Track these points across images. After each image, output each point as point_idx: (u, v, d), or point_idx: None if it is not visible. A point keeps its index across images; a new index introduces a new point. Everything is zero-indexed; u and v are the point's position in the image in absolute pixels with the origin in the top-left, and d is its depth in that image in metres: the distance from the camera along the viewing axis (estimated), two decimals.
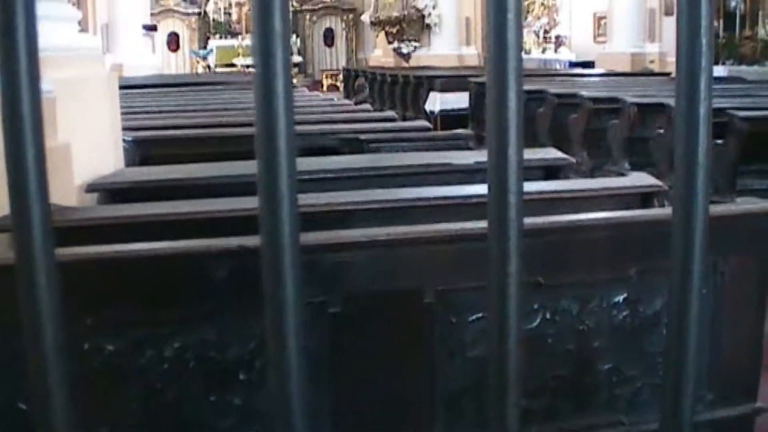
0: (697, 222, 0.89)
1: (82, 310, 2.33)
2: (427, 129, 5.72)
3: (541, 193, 3.42)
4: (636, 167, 8.19)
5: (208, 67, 27.32)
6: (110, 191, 3.65)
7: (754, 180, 7.26)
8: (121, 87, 4.53)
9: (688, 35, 0.84)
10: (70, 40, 3.66)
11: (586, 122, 9.59)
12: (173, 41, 28.46)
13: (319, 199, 3.16)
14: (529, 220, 2.63)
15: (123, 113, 4.39)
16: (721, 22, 20.59)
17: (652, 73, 17.03)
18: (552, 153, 4.35)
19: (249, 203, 2.45)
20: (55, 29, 3.41)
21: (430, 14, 22.64)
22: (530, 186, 3.46)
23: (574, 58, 24.81)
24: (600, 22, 24.38)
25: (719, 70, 18.17)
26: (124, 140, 4.40)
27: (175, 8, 28.31)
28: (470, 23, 23.46)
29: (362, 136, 4.91)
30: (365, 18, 25.01)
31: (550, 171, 4.08)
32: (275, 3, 0.76)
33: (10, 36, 0.73)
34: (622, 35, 19.90)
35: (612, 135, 9.00)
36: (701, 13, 0.83)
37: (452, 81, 14.20)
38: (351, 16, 29.95)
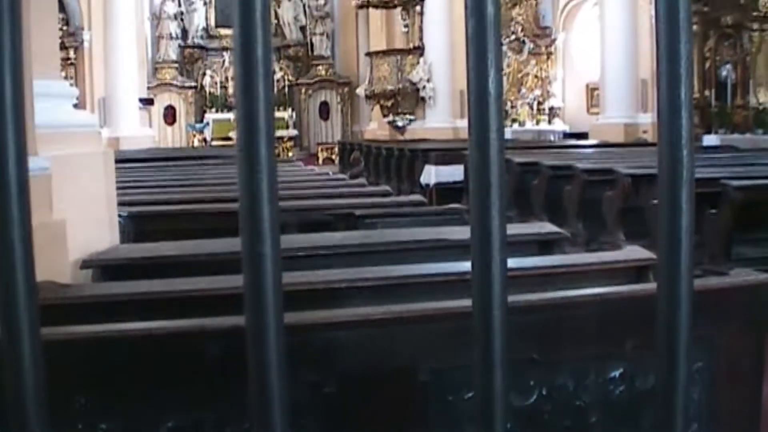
0: (682, 298, 0.89)
1: (75, 389, 2.31)
2: (422, 203, 5.75)
3: (535, 268, 3.42)
4: (631, 238, 8.21)
5: (205, 140, 27.48)
6: (105, 267, 3.65)
7: (749, 248, 7.26)
8: (118, 161, 4.56)
9: (669, 111, 0.85)
10: (67, 117, 3.69)
11: (580, 194, 9.63)
12: (170, 114, 28.69)
13: (312, 276, 3.16)
14: (523, 297, 2.65)
15: (119, 187, 4.40)
16: (713, 91, 20.80)
17: (646, 143, 17.15)
18: (546, 227, 4.37)
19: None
20: (52, 106, 3.45)
21: (424, 87, 22.86)
22: (525, 261, 3.46)
23: (568, 129, 25.05)
24: (593, 94, 24.67)
25: (712, 139, 18.29)
26: (119, 215, 4.41)
27: (172, 82, 28.60)
28: (464, 96, 23.55)
29: (357, 212, 4.93)
30: (360, 91, 25.24)
31: (545, 245, 4.09)
32: (259, 76, 0.78)
33: None
34: (615, 106, 20.07)
35: (607, 206, 9.03)
36: (681, 92, 0.84)
37: (447, 154, 14.27)
38: (346, 89, 30.26)
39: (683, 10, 0.82)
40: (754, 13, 20.41)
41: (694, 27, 20.01)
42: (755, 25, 20.54)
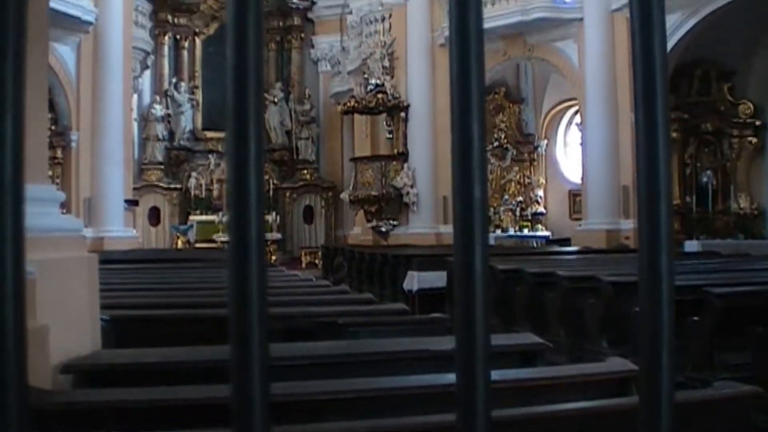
0: (663, 412, 0.90)
1: None
2: (405, 312, 5.74)
3: (518, 381, 3.42)
4: (614, 345, 8.20)
5: (188, 242, 27.47)
6: (86, 373, 3.62)
7: (732, 355, 7.25)
8: (102, 261, 4.56)
9: (648, 215, 0.87)
10: (53, 221, 3.71)
11: (563, 301, 9.63)
12: (154, 216, 28.77)
13: (295, 387, 3.14)
14: (506, 411, 2.64)
15: (102, 290, 4.39)
16: (694, 197, 21.05)
17: (628, 249, 17.24)
18: (529, 338, 4.37)
19: (225, 390, 2.44)
20: (38, 211, 3.47)
21: (408, 193, 23.01)
22: (508, 373, 3.46)
23: (550, 235, 25.19)
24: (575, 200, 24.92)
25: (693, 245, 18.40)
26: (102, 319, 4.39)
27: (158, 183, 28.74)
28: (448, 202, 23.86)
29: (340, 320, 4.92)
30: (344, 196, 25.39)
31: (528, 356, 4.09)
32: (251, 182, 0.80)
33: None
34: (597, 212, 20.22)
35: (589, 314, 9.02)
36: (661, 209, 0.87)
37: (430, 260, 14.26)
38: (330, 194, 30.46)
39: (662, 120, 0.85)
40: (734, 120, 20.81)
41: (675, 134, 20.39)
42: (735, 132, 20.92)
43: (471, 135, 0.82)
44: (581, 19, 21.11)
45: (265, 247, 0.82)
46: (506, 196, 25.89)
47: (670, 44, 19.13)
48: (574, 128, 25.02)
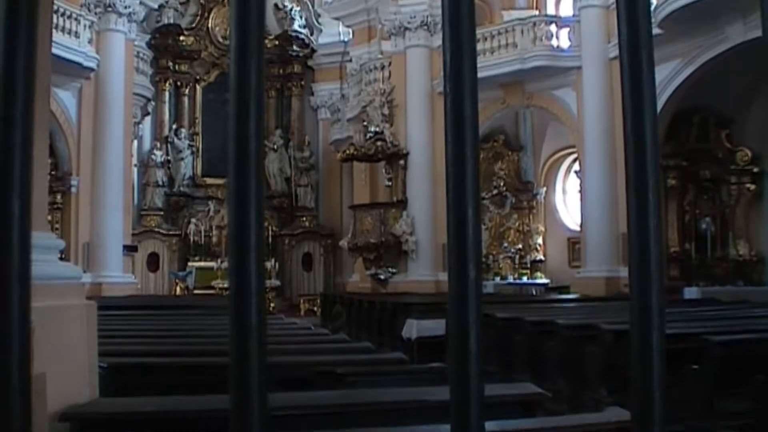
0: None
1: None
2: (403, 361, 5.73)
3: None
4: (614, 393, 8.16)
5: (187, 288, 27.41)
6: (83, 422, 3.60)
7: (732, 403, 7.21)
8: (100, 307, 4.55)
9: (639, 263, 0.88)
10: (52, 269, 3.72)
11: (562, 350, 9.60)
12: (153, 261, 28.73)
13: None
14: None
15: (100, 336, 4.38)
16: (693, 244, 21.03)
17: (627, 297, 17.16)
18: (528, 387, 4.36)
19: None
20: (36, 259, 3.47)
21: (407, 241, 23.00)
22: (506, 424, 3.45)
23: (549, 283, 25.15)
24: (574, 247, 24.91)
25: (693, 292, 18.37)
26: (100, 366, 4.38)
27: (157, 229, 28.75)
28: (446, 250, 23.81)
29: (338, 370, 4.90)
30: (343, 243, 25.39)
31: (527, 406, 4.06)
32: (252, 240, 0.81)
33: (5, 268, 0.77)
34: (596, 260, 20.19)
35: (589, 362, 8.98)
36: (651, 258, 0.88)
37: (429, 307, 14.22)
38: (329, 241, 30.47)
39: (651, 172, 0.86)
40: (732, 167, 20.87)
41: (673, 181, 20.45)
42: (733, 179, 20.97)
43: (465, 175, 0.84)
44: (579, 68, 21.26)
45: (265, 296, 0.83)
46: (505, 244, 25.90)
47: (668, 92, 19.32)
48: (572, 176, 25.08)
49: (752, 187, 20.74)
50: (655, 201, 0.87)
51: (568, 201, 26.80)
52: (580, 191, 21.72)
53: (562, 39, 22.24)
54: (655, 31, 18.44)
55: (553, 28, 22.38)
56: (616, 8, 0.86)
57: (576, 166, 23.22)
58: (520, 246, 26.06)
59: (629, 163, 0.86)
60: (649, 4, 0.84)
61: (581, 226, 21.68)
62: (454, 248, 0.84)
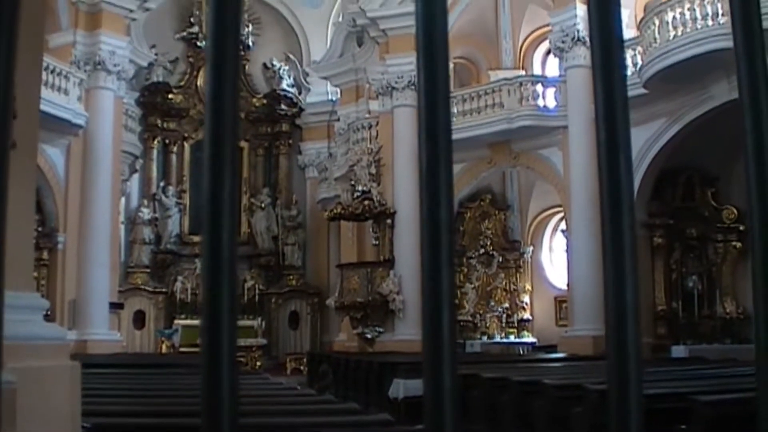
0: None
1: None
2: (389, 423, 5.68)
3: None
4: None
5: (173, 346, 27.21)
6: None
7: None
8: (85, 365, 4.51)
9: (615, 321, 0.88)
10: (36, 329, 3.70)
11: (550, 410, 9.55)
12: (139, 319, 28.55)
13: None
14: None
15: (84, 395, 4.35)
16: (680, 302, 21.05)
17: None
18: None
19: None
20: (22, 319, 3.45)
21: (394, 300, 22.95)
22: None
23: (536, 342, 25.10)
24: (561, 306, 24.91)
25: (680, 351, 18.35)
26: (84, 427, 4.33)
27: (143, 287, 28.62)
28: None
29: None
30: (330, 302, 25.33)
31: None
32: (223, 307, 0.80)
33: None
34: (583, 319, 20.14)
35: (576, 423, 8.94)
36: (626, 303, 0.88)
37: (416, 367, 14.12)
38: (316, 300, 30.39)
39: (627, 235, 0.87)
40: (718, 225, 20.97)
41: (660, 240, 20.56)
42: (719, 237, 21.06)
43: (440, 245, 0.84)
44: (566, 127, 21.43)
45: (236, 354, 0.83)
46: (492, 303, 25.87)
47: (654, 150, 19.51)
48: (559, 234, 25.17)
49: (738, 245, 20.81)
50: (631, 259, 0.87)
51: (555, 260, 26.84)
52: (567, 250, 21.75)
53: (549, 99, 22.46)
54: (641, 90, 18.66)
55: (539, 88, 22.62)
56: (592, 72, 0.87)
57: (563, 225, 23.31)
58: (507, 305, 26.02)
59: (605, 221, 0.86)
60: (624, 68, 0.85)
61: (568, 284, 21.67)
62: (428, 311, 0.85)
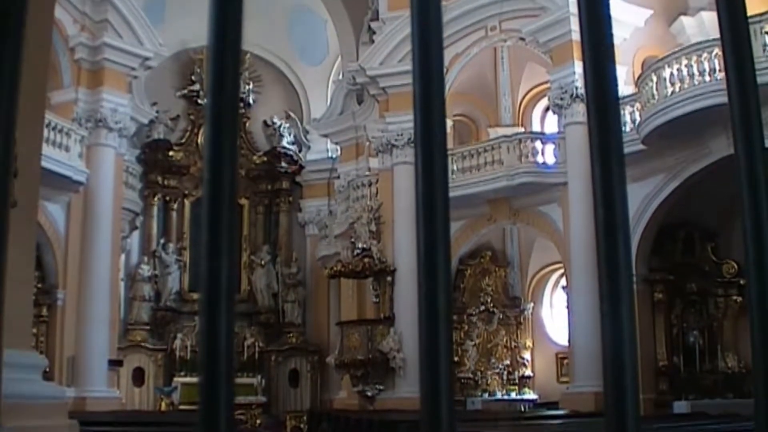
0: None
1: None
2: None
3: None
4: None
5: (172, 404, 27.03)
6: None
7: None
8: (83, 423, 4.49)
9: (613, 385, 0.88)
10: (34, 388, 3.68)
11: None
12: (138, 376, 28.38)
13: None
14: None
15: None
16: (682, 357, 20.96)
17: None
18: None
19: None
20: (20, 377, 3.44)
21: (394, 357, 22.85)
22: None
23: (538, 398, 24.95)
24: (562, 362, 24.79)
25: (682, 406, 18.22)
26: None
27: (143, 344, 28.48)
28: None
29: None
30: (330, 360, 25.22)
31: None
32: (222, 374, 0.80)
33: None
34: (585, 375, 20.01)
35: None
36: (626, 368, 0.88)
37: (417, 425, 13.99)
38: (316, 357, 30.24)
39: (625, 295, 0.87)
40: (719, 280, 20.94)
41: (660, 295, 20.54)
42: (720, 291, 21.02)
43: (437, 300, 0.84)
44: (565, 184, 21.50)
45: (234, 412, 0.82)
46: (493, 360, 25.74)
47: (653, 206, 19.58)
48: (560, 291, 25.13)
49: (739, 299, 20.76)
50: (629, 318, 0.87)
51: (555, 316, 26.76)
52: (568, 306, 21.69)
53: (548, 155, 22.57)
54: (639, 147, 18.79)
55: (538, 144, 22.74)
56: (588, 134, 0.88)
57: (563, 282, 23.28)
58: (508, 362, 25.89)
59: (602, 279, 0.87)
60: (620, 129, 0.86)
61: (569, 341, 21.58)
62: (425, 368, 0.85)
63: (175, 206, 30.62)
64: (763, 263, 0.91)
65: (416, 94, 0.85)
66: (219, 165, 0.81)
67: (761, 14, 16.60)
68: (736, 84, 0.98)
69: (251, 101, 31.69)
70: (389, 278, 23.81)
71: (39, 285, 21.51)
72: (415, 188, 0.79)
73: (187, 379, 27.86)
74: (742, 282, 20.66)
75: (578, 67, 21.21)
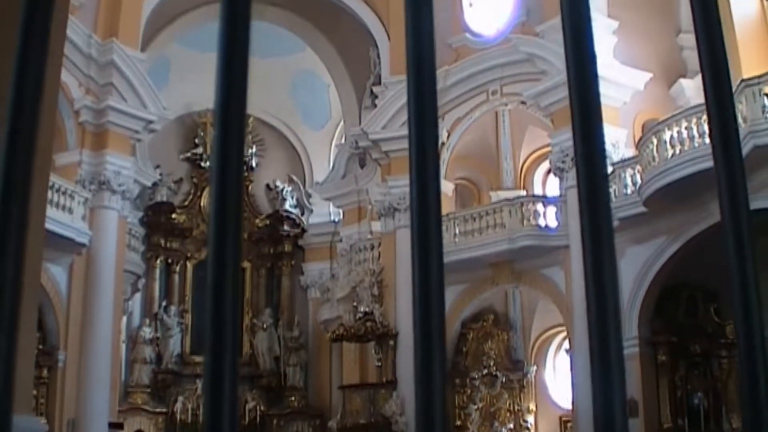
0: None
1: None
2: None
3: None
4: None
5: None
6: None
7: None
8: None
9: None
10: None
11: None
12: None
13: None
14: None
15: None
16: (686, 420, 20.79)
17: None
18: None
19: None
20: None
21: (396, 422, 22.69)
22: None
23: None
24: (566, 426, 24.60)
25: None
26: None
27: (143, 406, 28.26)
28: None
29: None
30: (332, 424, 25.04)
31: None
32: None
33: None
34: None
35: None
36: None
37: None
38: (318, 421, 29.94)
39: (615, 362, 0.89)
40: (722, 341, 20.82)
41: (663, 357, 20.43)
42: (723, 353, 20.88)
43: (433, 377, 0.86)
44: (567, 246, 21.51)
45: None
46: (496, 424, 25.50)
47: (655, 268, 19.56)
48: (563, 353, 24.99)
49: None
50: (620, 376, 0.89)
51: (559, 379, 26.57)
52: (571, 369, 21.58)
53: (550, 218, 22.62)
54: (641, 209, 18.87)
55: (540, 207, 22.80)
56: (579, 206, 0.91)
57: (566, 344, 23.18)
58: (511, 425, 25.64)
59: (593, 341, 0.89)
60: (608, 200, 0.89)
61: (573, 404, 21.43)
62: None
63: (178, 269, 30.61)
64: (750, 327, 0.94)
65: (412, 158, 0.87)
66: (223, 230, 0.84)
67: (759, 76, 16.74)
68: (721, 154, 1.01)
69: (254, 164, 31.86)
70: (392, 342, 23.73)
71: (40, 346, 21.40)
72: (411, 255, 0.81)
73: None
74: None
75: None
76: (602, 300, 0.86)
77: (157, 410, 28.59)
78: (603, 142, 0.91)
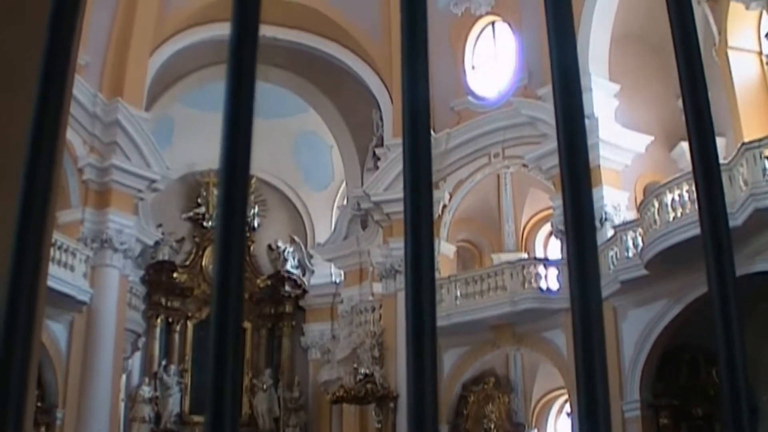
0: None
1: None
2: None
3: None
4: None
5: None
6: None
7: None
8: None
9: None
10: None
11: None
12: None
13: None
14: None
15: None
16: None
17: None
18: None
19: None
20: None
21: None
22: None
23: None
24: None
25: None
26: None
27: None
28: None
29: None
30: None
31: None
32: None
33: None
34: None
35: None
36: None
37: None
38: None
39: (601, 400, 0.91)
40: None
41: (666, 420, 20.25)
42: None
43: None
44: (568, 309, 21.30)
45: None
46: None
47: (657, 331, 19.47)
48: (564, 416, 24.79)
49: None
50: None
51: None
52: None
53: (551, 281, 22.57)
54: (642, 272, 18.82)
55: (541, 270, 22.75)
56: (568, 268, 0.93)
57: (567, 407, 22.99)
58: None
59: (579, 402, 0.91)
60: (596, 263, 0.92)
61: None
62: None
63: (178, 328, 30.51)
64: (736, 392, 0.96)
65: (407, 221, 0.90)
66: (226, 291, 0.87)
67: (760, 139, 16.81)
68: (708, 221, 1.04)
69: (256, 225, 31.93)
70: (392, 404, 23.56)
71: (38, 404, 21.24)
72: (406, 320, 0.84)
73: None
74: None
75: None
76: (591, 369, 0.89)
77: None
78: (591, 202, 0.94)
